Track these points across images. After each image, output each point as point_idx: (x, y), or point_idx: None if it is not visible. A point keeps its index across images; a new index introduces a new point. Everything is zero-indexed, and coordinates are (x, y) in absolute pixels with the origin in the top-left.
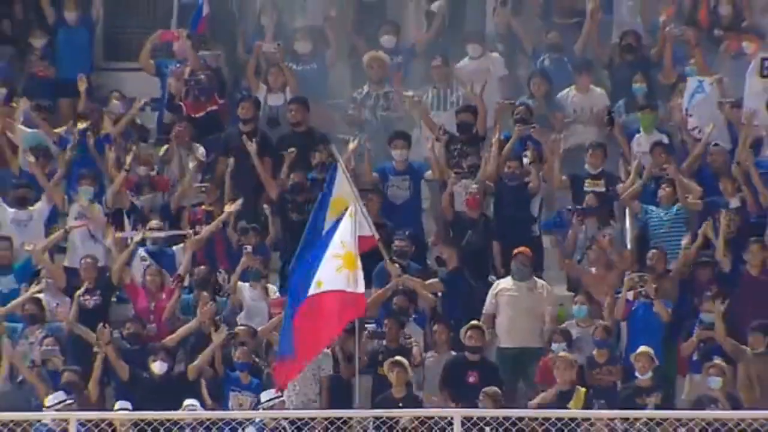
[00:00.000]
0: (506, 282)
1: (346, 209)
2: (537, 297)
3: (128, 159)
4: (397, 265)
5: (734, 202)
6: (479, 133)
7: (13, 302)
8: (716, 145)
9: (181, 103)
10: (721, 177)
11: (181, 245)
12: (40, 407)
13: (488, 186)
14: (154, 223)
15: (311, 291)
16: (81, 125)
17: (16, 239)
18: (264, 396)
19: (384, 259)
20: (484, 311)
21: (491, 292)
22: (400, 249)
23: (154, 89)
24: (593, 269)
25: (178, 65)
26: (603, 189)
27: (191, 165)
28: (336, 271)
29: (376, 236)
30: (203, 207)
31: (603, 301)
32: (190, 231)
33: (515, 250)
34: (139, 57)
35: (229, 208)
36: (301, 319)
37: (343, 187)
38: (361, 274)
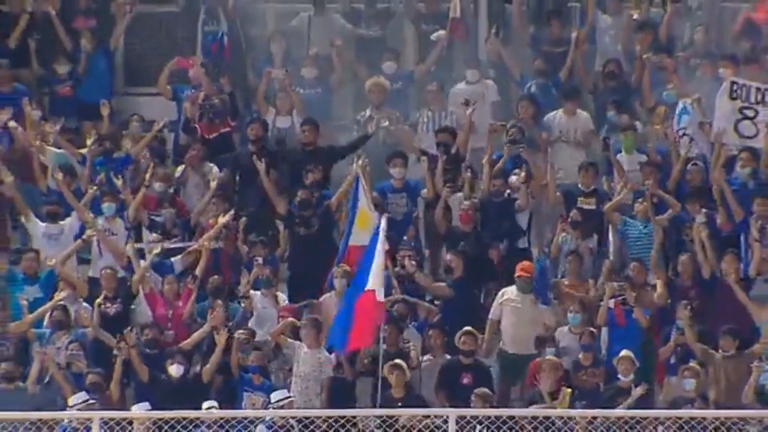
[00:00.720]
0: (511, 292)
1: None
2: (539, 308)
3: (147, 177)
4: (414, 262)
5: (700, 218)
6: (460, 152)
7: (40, 309)
8: (695, 164)
9: (196, 126)
10: (689, 195)
11: (179, 257)
12: (65, 407)
13: (475, 202)
14: (154, 236)
15: (368, 286)
16: (89, 139)
17: (46, 252)
18: (274, 396)
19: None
20: (489, 316)
21: (497, 299)
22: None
23: (171, 113)
24: (566, 280)
25: (193, 90)
26: (594, 206)
27: (212, 184)
28: (381, 271)
29: (386, 246)
30: (211, 221)
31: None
32: (203, 243)
33: (517, 270)
34: (157, 83)
35: (222, 219)
36: (360, 312)
37: (363, 200)
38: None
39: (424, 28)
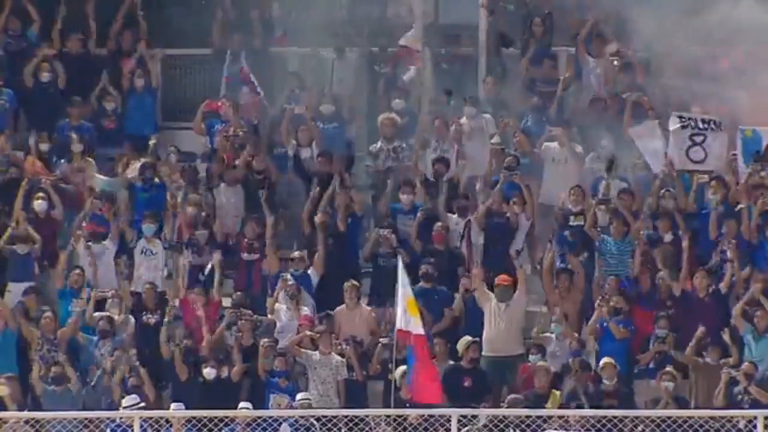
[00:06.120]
0: (492, 302)
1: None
2: (512, 312)
3: (182, 202)
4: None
5: (667, 237)
6: (454, 181)
7: (79, 317)
8: (668, 190)
9: (224, 156)
10: (660, 216)
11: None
12: (110, 407)
13: (480, 222)
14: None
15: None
16: (137, 163)
17: (88, 268)
18: (297, 397)
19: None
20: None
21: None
22: (427, 272)
23: (204, 144)
24: (557, 292)
25: (223, 124)
26: (582, 223)
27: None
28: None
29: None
30: (247, 241)
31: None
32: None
33: (497, 281)
34: (191, 118)
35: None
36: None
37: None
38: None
39: (444, 67)
